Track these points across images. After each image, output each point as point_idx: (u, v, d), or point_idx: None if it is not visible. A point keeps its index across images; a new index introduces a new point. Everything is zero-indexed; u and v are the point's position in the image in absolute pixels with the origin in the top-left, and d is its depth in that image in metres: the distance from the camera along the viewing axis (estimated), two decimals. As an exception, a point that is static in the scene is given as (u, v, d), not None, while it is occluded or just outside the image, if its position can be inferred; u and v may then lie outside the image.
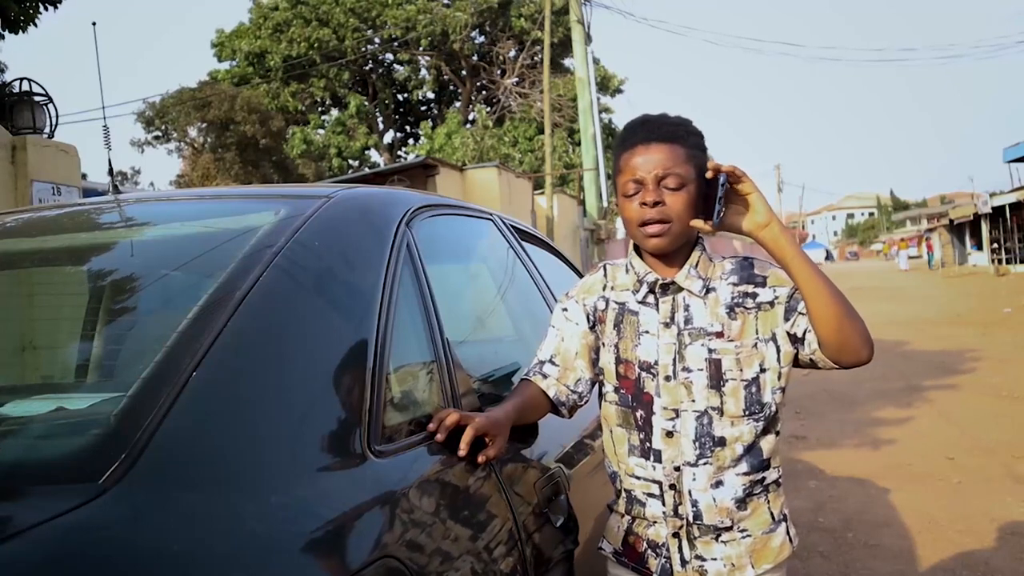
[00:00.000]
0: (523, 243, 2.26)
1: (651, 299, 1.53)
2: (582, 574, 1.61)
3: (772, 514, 1.52)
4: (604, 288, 1.60)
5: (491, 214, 2.17)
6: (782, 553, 1.52)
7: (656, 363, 1.50)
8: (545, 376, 1.57)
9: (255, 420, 1.02)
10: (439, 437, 1.28)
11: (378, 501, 1.10)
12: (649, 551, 1.53)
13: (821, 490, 4.69)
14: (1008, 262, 28.74)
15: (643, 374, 1.51)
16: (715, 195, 1.40)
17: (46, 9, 7.42)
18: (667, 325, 1.50)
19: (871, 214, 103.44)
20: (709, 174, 1.41)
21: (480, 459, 1.31)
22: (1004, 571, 3.41)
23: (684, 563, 1.50)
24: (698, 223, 1.44)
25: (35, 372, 1.50)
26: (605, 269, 1.63)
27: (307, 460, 1.04)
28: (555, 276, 2.37)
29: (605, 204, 20.53)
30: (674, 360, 1.49)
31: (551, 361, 1.58)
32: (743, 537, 1.49)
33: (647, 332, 1.52)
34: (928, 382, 8.08)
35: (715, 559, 1.49)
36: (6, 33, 7.21)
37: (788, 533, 1.54)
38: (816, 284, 1.40)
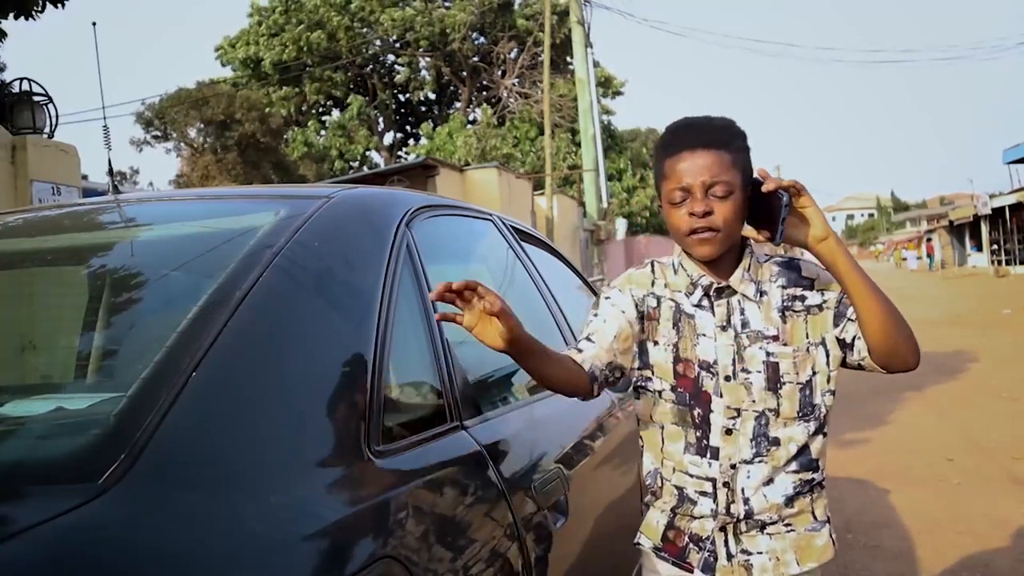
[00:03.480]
0: (523, 244, 2.26)
1: (706, 303, 1.51)
2: (581, 574, 1.61)
3: (815, 514, 1.53)
4: (653, 284, 1.57)
5: (491, 215, 2.18)
6: (826, 554, 1.53)
7: (716, 363, 1.49)
8: (580, 351, 1.49)
9: (255, 420, 1.02)
10: (457, 285, 1.21)
11: (378, 501, 1.10)
12: (691, 545, 1.52)
13: (821, 491, 4.69)
14: (1008, 263, 28.75)
15: (703, 373, 1.50)
16: (778, 214, 1.39)
17: (55, 6, 7.38)
18: (724, 328, 1.50)
19: (871, 215, 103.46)
20: (767, 187, 1.38)
21: (485, 305, 1.22)
22: (1004, 572, 3.41)
23: (730, 557, 1.50)
24: (751, 232, 1.45)
25: (35, 372, 1.49)
26: (653, 265, 1.60)
27: (307, 460, 1.04)
28: (555, 277, 2.37)
29: (605, 205, 20.55)
30: (733, 361, 1.49)
31: (588, 339, 1.52)
32: (788, 531, 1.50)
33: (704, 335, 1.51)
34: (928, 383, 8.08)
35: (760, 552, 1.49)
36: (14, 20, 7.15)
37: (831, 536, 1.55)
38: (869, 297, 1.41)
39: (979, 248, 33.24)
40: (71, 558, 0.75)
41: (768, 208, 1.41)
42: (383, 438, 1.18)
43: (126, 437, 0.88)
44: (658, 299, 1.55)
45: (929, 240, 39.05)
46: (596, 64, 24.08)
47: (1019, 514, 4.08)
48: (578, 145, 23.04)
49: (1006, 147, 28.31)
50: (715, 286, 1.50)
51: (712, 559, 1.50)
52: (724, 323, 1.50)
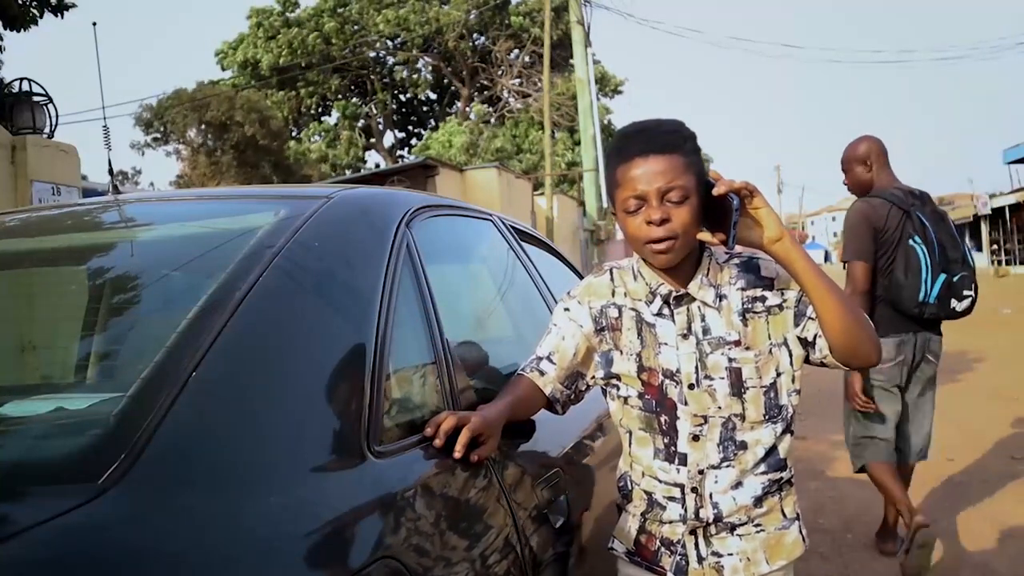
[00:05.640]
0: (523, 243, 2.26)
1: (666, 311, 1.51)
2: (581, 575, 1.61)
3: (784, 512, 1.54)
4: (614, 294, 1.57)
5: (491, 215, 2.17)
6: (795, 550, 1.54)
7: (679, 371, 1.49)
8: (542, 373, 1.56)
9: (255, 420, 1.02)
10: (437, 443, 1.27)
11: (378, 501, 1.10)
12: (663, 549, 1.53)
13: (821, 491, 4.69)
14: (1008, 263, 28.77)
15: (667, 381, 1.50)
16: (730, 218, 1.36)
17: (54, 15, 7.41)
18: (685, 336, 1.50)
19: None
20: (718, 190, 1.36)
21: (473, 458, 1.31)
22: (1004, 572, 3.41)
23: (700, 560, 1.51)
24: (706, 237, 1.42)
25: (35, 372, 1.49)
26: (612, 273, 1.60)
27: (307, 460, 1.04)
28: (555, 277, 2.37)
29: (605, 205, 20.55)
30: (696, 368, 1.49)
31: (548, 359, 1.57)
32: (757, 531, 1.51)
33: (665, 344, 1.51)
34: (928, 383, 8.06)
35: (731, 554, 1.50)
36: (7, 32, 7.19)
37: (801, 532, 1.56)
38: (827, 295, 1.40)
39: (979, 248, 33.22)
40: (71, 558, 0.75)
41: (721, 211, 1.39)
42: (383, 438, 1.18)
43: (126, 437, 0.87)
44: (619, 309, 1.55)
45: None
46: (596, 63, 24.08)
47: (1019, 514, 4.08)
48: (576, 143, 23.03)
49: (1006, 147, 28.31)
50: (674, 294, 1.50)
51: (684, 562, 1.51)
52: (685, 331, 1.50)
